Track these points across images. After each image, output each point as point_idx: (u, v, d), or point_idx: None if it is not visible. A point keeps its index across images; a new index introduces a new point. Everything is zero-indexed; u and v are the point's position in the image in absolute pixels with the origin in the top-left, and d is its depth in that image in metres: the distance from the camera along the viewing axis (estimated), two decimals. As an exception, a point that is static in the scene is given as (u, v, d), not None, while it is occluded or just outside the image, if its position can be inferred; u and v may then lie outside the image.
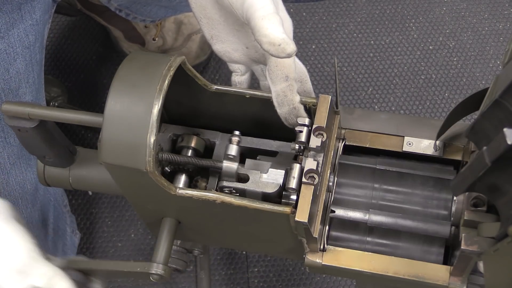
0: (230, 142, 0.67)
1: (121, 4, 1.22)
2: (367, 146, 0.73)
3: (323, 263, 0.69)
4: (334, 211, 0.70)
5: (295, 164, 0.65)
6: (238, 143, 0.67)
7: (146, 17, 1.27)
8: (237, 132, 0.68)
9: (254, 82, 0.78)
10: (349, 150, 0.74)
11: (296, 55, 0.72)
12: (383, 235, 0.71)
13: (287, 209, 0.63)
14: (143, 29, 1.33)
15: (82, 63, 1.39)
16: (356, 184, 0.71)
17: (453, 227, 0.68)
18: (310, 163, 0.63)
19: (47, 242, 0.93)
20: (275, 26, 0.61)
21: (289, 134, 0.69)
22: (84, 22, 1.43)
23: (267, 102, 0.69)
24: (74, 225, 1.06)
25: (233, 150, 0.67)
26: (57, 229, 0.97)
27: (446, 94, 1.36)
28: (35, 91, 0.93)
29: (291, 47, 0.60)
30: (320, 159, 0.66)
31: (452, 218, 0.68)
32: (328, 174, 0.69)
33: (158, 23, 1.33)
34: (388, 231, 0.70)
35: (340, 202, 0.71)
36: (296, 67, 0.71)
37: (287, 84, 0.67)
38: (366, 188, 0.71)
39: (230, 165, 0.68)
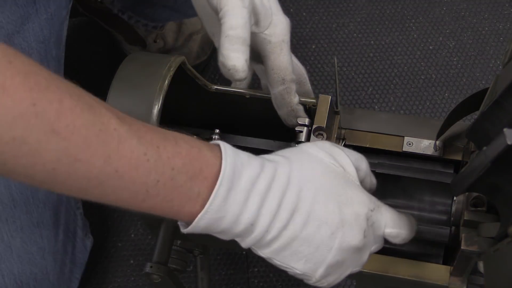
0: (209, 140, 0.67)
1: (124, 5, 1.22)
2: (367, 146, 0.73)
3: (323, 263, 0.69)
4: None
5: (295, 164, 0.65)
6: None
7: (148, 21, 1.26)
8: (217, 130, 0.68)
9: (254, 82, 0.78)
10: (349, 150, 0.74)
11: (296, 55, 0.72)
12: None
13: (287, 209, 0.63)
14: (144, 32, 1.33)
15: (82, 64, 1.39)
16: None
17: (453, 227, 0.68)
18: (310, 163, 0.63)
19: (57, 243, 0.92)
20: (232, 50, 0.62)
21: (289, 134, 0.69)
22: (85, 23, 1.43)
23: (267, 102, 0.69)
24: (87, 228, 1.05)
25: None
26: (67, 231, 0.97)
27: (446, 94, 1.36)
28: None
29: (240, 75, 0.62)
30: (320, 159, 0.66)
31: (452, 219, 0.68)
32: (328, 174, 0.69)
33: (159, 31, 1.32)
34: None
35: None
36: (295, 69, 0.71)
37: (284, 87, 0.67)
38: None
39: None
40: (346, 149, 0.62)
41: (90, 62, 1.40)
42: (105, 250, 1.24)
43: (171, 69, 0.65)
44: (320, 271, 0.59)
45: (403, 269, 0.68)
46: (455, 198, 0.68)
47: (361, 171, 0.62)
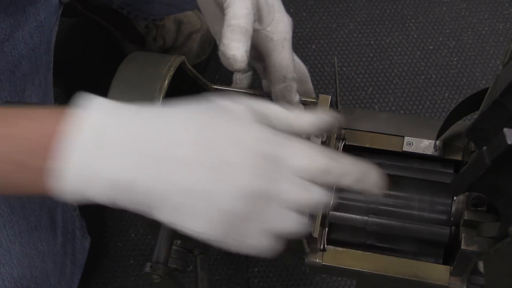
0: None
1: (123, 1, 1.22)
2: (367, 146, 0.73)
3: (323, 263, 0.69)
4: (334, 215, 0.70)
5: (295, 164, 0.65)
6: None
7: (148, 15, 1.27)
8: None
9: (254, 82, 0.78)
10: (349, 150, 0.74)
11: (296, 55, 0.72)
12: (382, 239, 0.71)
13: (287, 209, 0.63)
14: (143, 30, 1.33)
15: (82, 64, 1.39)
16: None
17: (453, 227, 0.68)
18: (310, 163, 0.63)
19: (56, 245, 0.93)
20: (233, 40, 0.61)
21: (289, 134, 0.69)
22: (84, 23, 1.43)
23: (267, 102, 0.69)
24: (84, 229, 1.06)
25: None
26: (66, 233, 0.97)
27: (446, 94, 1.36)
28: (42, 93, 0.93)
29: (238, 65, 0.61)
30: (320, 159, 0.66)
31: (452, 219, 0.68)
32: (328, 174, 0.69)
33: (159, 23, 1.33)
34: (387, 235, 0.70)
35: (339, 207, 0.70)
36: (297, 67, 0.71)
37: (285, 85, 0.67)
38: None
39: None
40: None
41: (89, 62, 1.40)
42: (105, 250, 1.24)
43: (171, 69, 0.65)
44: (218, 228, 0.52)
45: (403, 269, 0.68)
46: (455, 198, 0.68)
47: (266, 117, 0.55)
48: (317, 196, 0.53)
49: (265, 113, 0.54)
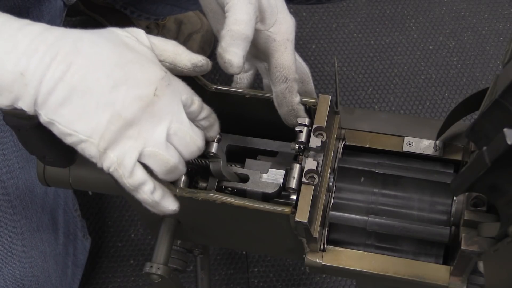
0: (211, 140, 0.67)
1: (127, 1, 1.22)
2: (367, 146, 0.73)
3: (323, 263, 0.69)
4: (334, 215, 0.70)
5: (295, 164, 0.65)
6: (219, 140, 0.67)
7: (151, 15, 1.27)
8: None
9: (254, 82, 0.78)
10: (349, 150, 0.74)
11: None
12: (382, 239, 0.71)
13: (287, 209, 0.63)
14: (144, 29, 1.33)
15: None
16: (355, 188, 0.71)
17: (453, 227, 0.68)
18: (310, 163, 0.63)
19: (58, 246, 0.93)
20: (231, 45, 0.62)
21: (289, 134, 0.69)
22: (85, 23, 1.43)
23: (267, 102, 0.69)
24: (85, 229, 1.06)
25: (213, 147, 0.66)
26: (67, 233, 0.97)
27: (446, 94, 1.36)
28: None
29: (234, 70, 0.63)
30: (320, 159, 0.66)
31: (452, 219, 0.68)
32: (328, 174, 0.69)
33: (161, 22, 1.33)
34: (387, 235, 0.70)
35: (339, 207, 0.71)
36: (299, 68, 0.71)
37: (286, 86, 0.67)
38: (365, 193, 0.71)
39: (214, 162, 0.68)
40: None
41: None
42: (105, 250, 1.24)
43: (171, 69, 0.65)
44: (107, 134, 0.56)
45: (403, 269, 0.68)
46: (455, 198, 0.68)
47: (167, 51, 0.63)
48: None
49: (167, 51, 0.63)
